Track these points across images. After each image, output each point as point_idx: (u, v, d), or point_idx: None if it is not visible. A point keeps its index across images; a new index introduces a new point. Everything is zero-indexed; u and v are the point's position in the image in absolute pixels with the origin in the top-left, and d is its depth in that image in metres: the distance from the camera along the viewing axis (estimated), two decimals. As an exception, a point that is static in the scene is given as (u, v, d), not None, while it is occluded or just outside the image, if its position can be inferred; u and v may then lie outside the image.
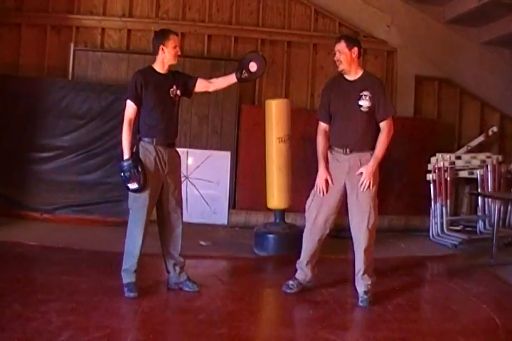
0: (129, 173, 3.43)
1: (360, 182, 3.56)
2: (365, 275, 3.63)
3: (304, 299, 3.71)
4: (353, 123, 3.61)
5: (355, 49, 3.63)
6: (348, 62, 3.63)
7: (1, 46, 6.30)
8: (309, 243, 3.75)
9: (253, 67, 3.69)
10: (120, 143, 3.51)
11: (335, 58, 3.66)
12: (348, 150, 3.62)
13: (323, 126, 3.78)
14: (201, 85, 3.78)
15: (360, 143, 3.61)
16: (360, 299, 3.60)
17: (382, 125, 3.61)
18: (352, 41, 3.67)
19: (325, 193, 3.64)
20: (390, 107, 3.66)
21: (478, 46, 7.16)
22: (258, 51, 3.86)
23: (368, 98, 3.59)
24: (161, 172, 3.54)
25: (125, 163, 3.45)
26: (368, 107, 3.59)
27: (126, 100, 3.54)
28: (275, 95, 6.41)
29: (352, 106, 3.61)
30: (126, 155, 3.46)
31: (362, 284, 3.64)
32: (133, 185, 3.45)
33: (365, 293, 3.60)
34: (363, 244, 3.60)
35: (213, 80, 3.84)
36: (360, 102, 3.59)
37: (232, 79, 3.75)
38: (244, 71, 3.68)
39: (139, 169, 3.45)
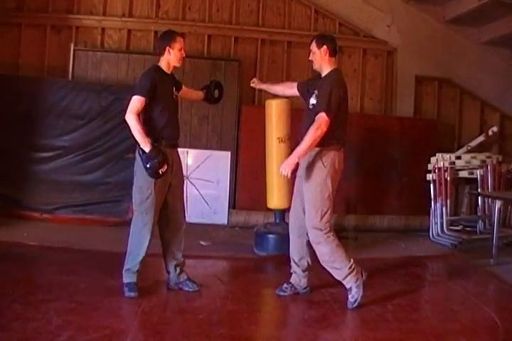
0: (160, 157, 3.39)
1: (280, 172, 3.54)
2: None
3: (304, 299, 3.71)
4: (306, 121, 3.62)
5: (325, 47, 3.60)
6: (318, 61, 3.64)
7: (1, 46, 6.30)
8: (292, 243, 3.79)
9: (216, 94, 4.12)
10: (126, 138, 3.48)
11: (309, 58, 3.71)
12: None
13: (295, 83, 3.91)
14: (184, 92, 3.91)
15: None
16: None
17: (315, 118, 3.50)
18: (322, 39, 3.65)
19: None
20: (324, 104, 3.50)
21: (478, 46, 7.16)
22: (218, 80, 4.24)
23: (314, 95, 3.60)
24: (168, 173, 3.54)
25: (152, 150, 3.39)
26: (312, 104, 3.61)
27: (134, 95, 3.46)
28: (275, 95, 6.40)
29: (307, 104, 3.68)
30: (147, 144, 3.40)
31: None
32: (164, 168, 3.42)
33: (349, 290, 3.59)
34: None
35: (190, 90, 4.05)
36: (310, 100, 3.63)
37: (200, 96, 4.09)
38: (210, 95, 4.09)
39: (163, 151, 3.46)
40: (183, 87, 3.90)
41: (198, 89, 4.14)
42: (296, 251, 3.77)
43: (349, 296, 3.53)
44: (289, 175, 3.51)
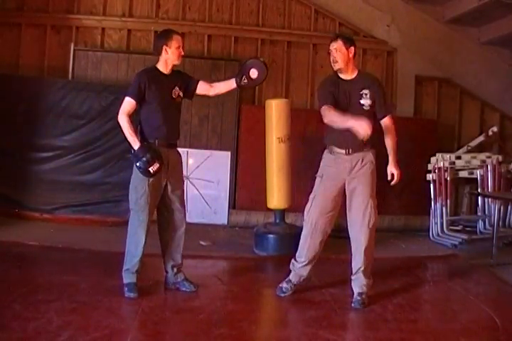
0: (149, 155, 3.40)
1: (394, 182, 3.66)
2: (361, 276, 3.61)
3: (304, 299, 3.71)
4: None
5: (352, 48, 3.64)
6: (345, 62, 3.63)
7: (1, 46, 6.30)
8: (310, 246, 3.69)
9: (254, 74, 3.65)
10: (124, 139, 3.50)
11: (331, 57, 3.66)
12: (350, 150, 3.60)
13: (329, 106, 3.51)
14: (202, 88, 3.76)
15: (362, 142, 3.57)
16: (353, 300, 3.58)
17: (386, 122, 3.63)
18: (349, 40, 3.67)
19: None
20: (391, 105, 3.67)
21: (478, 46, 7.16)
22: (260, 58, 3.84)
23: (368, 96, 3.59)
24: (163, 172, 3.53)
25: (140, 149, 3.42)
26: (369, 105, 3.59)
27: (125, 97, 3.51)
28: (275, 95, 6.42)
29: (353, 106, 3.58)
30: (136, 143, 3.44)
31: (357, 285, 3.63)
32: (154, 166, 3.41)
33: (360, 294, 3.58)
34: (363, 244, 3.58)
35: (214, 84, 3.82)
36: (362, 101, 3.58)
37: (232, 84, 3.73)
38: (244, 77, 3.66)
39: (154, 149, 3.46)
40: (202, 83, 3.74)
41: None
42: (311, 255, 3.70)
43: (364, 296, 3.57)
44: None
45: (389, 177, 3.64)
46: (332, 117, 3.45)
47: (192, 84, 3.74)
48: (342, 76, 3.68)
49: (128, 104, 3.50)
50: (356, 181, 3.60)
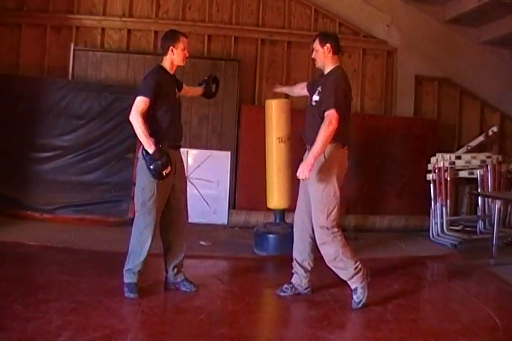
0: (164, 159, 3.40)
1: (299, 176, 3.53)
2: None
3: (304, 299, 3.71)
4: (309, 118, 3.66)
5: (328, 45, 3.61)
6: (321, 59, 3.64)
7: (1, 46, 6.30)
8: (296, 243, 3.78)
9: (214, 88, 4.18)
10: (135, 136, 3.48)
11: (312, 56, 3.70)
12: (308, 145, 3.64)
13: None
14: (185, 90, 3.93)
15: (310, 136, 3.58)
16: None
17: (324, 122, 3.48)
18: (325, 37, 3.65)
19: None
20: (332, 99, 3.48)
21: (478, 46, 7.16)
22: (212, 75, 4.28)
23: (317, 92, 3.61)
24: (171, 174, 3.53)
25: (156, 152, 3.40)
26: (315, 101, 3.62)
27: (139, 96, 3.44)
28: (275, 95, 6.40)
29: (310, 101, 3.69)
30: (151, 146, 3.40)
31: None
32: (168, 170, 3.43)
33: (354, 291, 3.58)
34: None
35: (189, 87, 4.06)
36: (314, 97, 3.64)
37: (199, 92, 4.14)
38: (208, 90, 4.14)
39: (167, 153, 3.48)
40: (185, 86, 3.92)
41: (195, 86, 4.18)
42: (299, 252, 3.75)
43: (354, 297, 3.52)
44: (307, 177, 3.48)
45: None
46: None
47: (181, 86, 3.85)
48: (324, 72, 3.71)
49: (143, 103, 3.43)
50: (310, 176, 3.57)
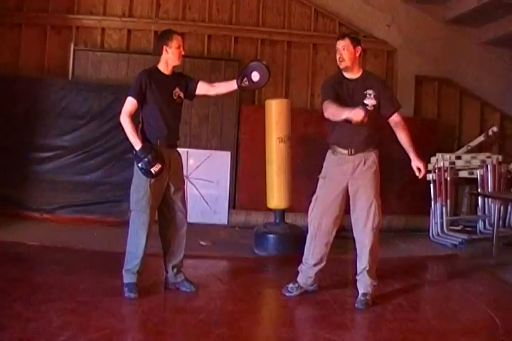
0: (150, 156, 3.40)
1: (421, 175, 3.68)
2: (366, 276, 3.61)
3: (304, 299, 3.71)
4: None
5: (359, 48, 3.63)
6: (351, 60, 3.61)
7: (1, 46, 6.30)
8: (316, 248, 3.69)
9: (255, 76, 3.62)
10: (126, 138, 3.50)
11: (338, 55, 3.62)
12: (352, 150, 3.59)
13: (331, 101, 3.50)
14: (202, 88, 3.74)
15: (365, 142, 3.59)
16: (357, 300, 3.57)
17: (395, 120, 3.63)
18: (356, 40, 3.68)
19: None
20: (397, 101, 3.67)
21: (478, 46, 7.16)
22: (263, 61, 3.82)
23: (372, 96, 3.58)
24: (164, 173, 3.53)
25: (141, 149, 3.42)
26: (373, 106, 3.57)
27: (127, 97, 3.51)
28: (275, 95, 6.41)
29: (357, 106, 3.50)
30: (138, 144, 3.44)
31: (361, 285, 3.62)
32: (156, 167, 3.42)
33: (364, 294, 3.58)
34: (368, 245, 3.59)
35: (215, 84, 3.82)
36: (366, 101, 3.57)
37: (233, 85, 3.69)
38: (245, 79, 3.63)
39: (155, 150, 3.47)
40: (201, 83, 3.73)
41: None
42: (316, 257, 3.69)
43: (367, 297, 3.56)
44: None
45: (416, 172, 3.65)
46: (331, 110, 3.42)
47: (192, 84, 3.73)
48: (347, 75, 3.66)
49: (130, 104, 3.50)
50: (359, 182, 3.60)
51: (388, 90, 3.70)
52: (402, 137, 3.68)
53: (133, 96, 3.50)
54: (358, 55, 3.63)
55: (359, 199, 3.61)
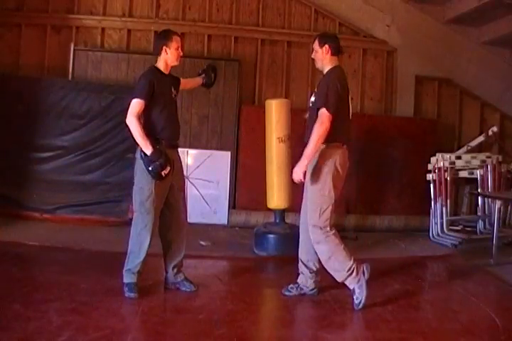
0: (162, 159, 3.42)
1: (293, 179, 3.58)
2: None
3: (304, 299, 3.71)
4: (309, 120, 3.63)
5: (327, 46, 3.62)
6: (320, 60, 3.66)
7: (1, 46, 6.30)
8: (302, 241, 3.75)
9: (213, 78, 4.21)
10: (132, 140, 3.49)
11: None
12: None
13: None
14: (182, 84, 3.91)
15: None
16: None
17: (317, 122, 3.48)
18: (324, 38, 3.67)
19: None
20: (322, 99, 3.48)
21: (478, 46, 7.15)
22: (211, 64, 4.35)
23: (313, 93, 3.64)
24: (170, 174, 3.53)
25: (154, 153, 3.41)
26: (311, 102, 3.64)
27: (134, 98, 3.47)
28: (275, 95, 6.42)
29: (309, 103, 3.71)
30: (149, 147, 3.42)
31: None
32: (166, 170, 3.45)
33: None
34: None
35: (187, 80, 4.07)
36: (311, 98, 3.66)
37: (198, 82, 4.15)
38: (208, 80, 4.18)
39: (165, 153, 3.49)
40: (182, 80, 3.91)
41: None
42: (304, 252, 3.74)
43: (354, 297, 3.51)
44: (303, 179, 3.51)
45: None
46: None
47: (178, 83, 3.84)
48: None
49: (138, 105, 3.47)
50: (307, 178, 3.59)
51: (322, 86, 3.55)
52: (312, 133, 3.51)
53: (142, 98, 3.47)
54: (326, 53, 3.62)
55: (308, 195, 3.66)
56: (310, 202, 3.59)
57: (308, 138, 3.52)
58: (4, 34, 6.33)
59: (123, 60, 6.35)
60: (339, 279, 3.55)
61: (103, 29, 6.48)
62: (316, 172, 3.56)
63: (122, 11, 6.54)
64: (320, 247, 3.56)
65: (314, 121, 3.50)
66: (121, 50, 6.45)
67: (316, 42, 3.65)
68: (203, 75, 4.15)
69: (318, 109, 3.49)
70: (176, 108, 3.76)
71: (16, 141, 5.92)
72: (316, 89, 3.64)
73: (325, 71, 3.66)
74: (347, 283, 3.53)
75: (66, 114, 6.02)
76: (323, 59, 3.64)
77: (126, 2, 6.53)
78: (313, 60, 3.75)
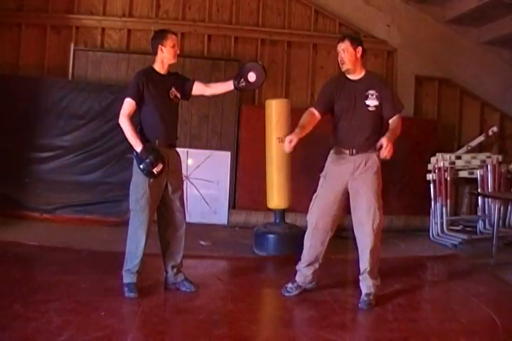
0: (152, 156, 3.40)
1: (384, 147, 3.37)
2: (367, 277, 3.61)
3: (304, 299, 3.71)
4: (359, 124, 3.58)
5: (360, 48, 3.61)
6: (352, 62, 3.60)
7: (1, 46, 6.30)
8: (312, 247, 3.69)
9: (252, 77, 3.67)
10: (126, 140, 3.50)
11: (339, 58, 3.62)
12: (354, 150, 3.58)
13: (313, 110, 3.63)
14: (198, 88, 3.76)
15: (366, 143, 3.57)
16: (360, 300, 3.57)
17: (394, 121, 3.57)
18: (356, 41, 3.66)
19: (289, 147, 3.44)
20: (399, 103, 3.64)
21: (478, 46, 7.16)
22: (259, 61, 3.92)
23: (374, 97, 3.57)
24: (164, 172, 3.53)
25: (143, 150, 3.42)
26: (374, 106, 3.57)
27: (125, 98, 3.52)
28: (275, 95, 6.41)
29: (359, 106, 3.58)
30: (139, 145, 3.44)
31: (364, 286, 3.62)
32: (158, 167, 3.43)
33: (367, 295, 3.58)
34: (369, 246, 3.59)
35: (211, 85, 3.84)
36: (367, 102, 3.57)
37: (229, 86, 3.74)
38: (242, 80, 3.68)
39: (156, 150, 3.47)
40: (197, 83, 3.75)
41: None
42: (313, 255, 3.70)
43: (370, 297, 3.56)
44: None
45: (377, 147, 3.47)
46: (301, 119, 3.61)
47: (188, 84, 3.75)
48: (350, 76, 3.66)
49: (128, 104, 3.51)
50: (359, 182, 3.59)
51: (390, 91, 3.66)
52: (391, 126, 3.55)
53: (131, 97, 3.51)
54: (359, 55, 3.61)
55: (359, 200, 3.60)
56: (375, 206, 3.64)
57: (359, 141, 3.57)
58: (4, 34, 6.34)
59: (123, 59, 6.35)
60: (374, 286, 3.64)
61: (103, 29, 6.49)
62: (377, 176, 3.64)
63: (122, 11, 6.54)
64: (376, 252, 3.69)
65: (375, 124, 3.57)
66: (121, 50, 6.46)
67: (348, 43, 3.59)
68: (237, 77, 3.70)
69: (393, 114, 3.57)
70: (176, 107, 3.73)
71: (16, 141, 5.92)
72: (373, 92, 3.56)
73: (360, 74, 3.63)
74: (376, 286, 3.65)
75: (66, 114, 6.02)
76: (356, 61, 3.61)
77: (126, 2, 6.54)
78: (341, 62, 3.60)
